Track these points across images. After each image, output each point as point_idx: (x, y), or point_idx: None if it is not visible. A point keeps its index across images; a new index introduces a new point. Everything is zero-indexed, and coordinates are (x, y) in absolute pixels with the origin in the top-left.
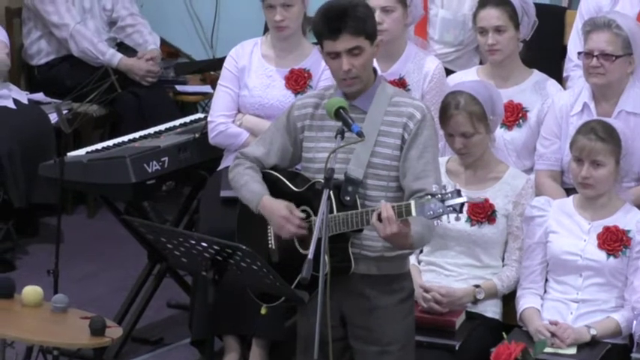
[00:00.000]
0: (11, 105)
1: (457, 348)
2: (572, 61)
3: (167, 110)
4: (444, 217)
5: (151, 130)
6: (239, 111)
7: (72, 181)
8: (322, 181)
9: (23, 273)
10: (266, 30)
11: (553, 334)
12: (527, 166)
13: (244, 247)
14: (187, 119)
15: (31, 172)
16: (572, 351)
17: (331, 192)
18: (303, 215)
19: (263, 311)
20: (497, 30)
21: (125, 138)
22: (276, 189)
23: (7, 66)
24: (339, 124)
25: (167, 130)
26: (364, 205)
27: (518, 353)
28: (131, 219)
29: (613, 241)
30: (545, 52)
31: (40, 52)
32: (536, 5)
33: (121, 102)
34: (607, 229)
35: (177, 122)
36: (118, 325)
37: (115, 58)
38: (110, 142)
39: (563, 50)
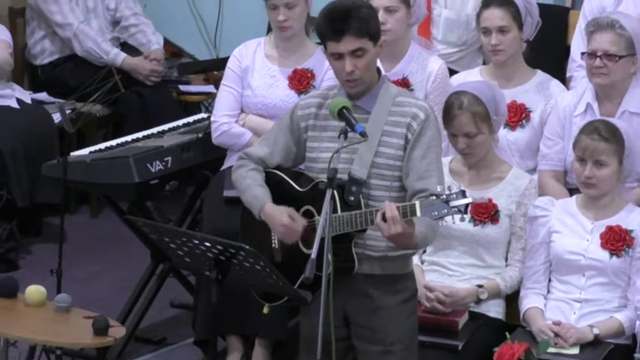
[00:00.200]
0: (15, 105)
1: (460, 348)
2: (575, 61)
3: (170, 110)
4: (449, 218)
5: (155, 130)
6: (242, 111)
7: (75, 180)
8: (326, 181)
9: (26, 272)
10: (269, 30)
11: (556, 334)
12: (530, 167)
13: (247, 247)
14: (191, 119)
15: (34, 172)
16: (575, 351)
17: (335, 192)
18: (305, 222)
19: (265, 310)
20: (501, 30)
21: (128, 138)
22: (279, 189)
23: (10, 66)
24: (343, 124)
25: (170, 129)
26: (368, 205)
27: (521, 353)
28: (134, 219)
29: (616, 240)
30: (548, 53)
31: (44, 51)
32: (540, 5)
33: (124, 102)
34: (610, 228)
35: (180, 122)
36: (121, 324)
37: (118, 57)
38: (113, 142)
39: (567, 50)
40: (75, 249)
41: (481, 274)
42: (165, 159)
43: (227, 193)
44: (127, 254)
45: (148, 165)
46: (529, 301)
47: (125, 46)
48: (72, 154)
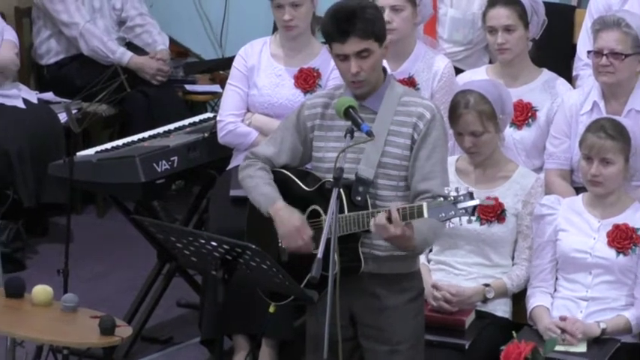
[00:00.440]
0: (21, 105)
1: (467, 347)
2: (581, 60)
3: (176, 110)
4: (456, 220)
5: (161, 130)
6: (248, 110)
7: (81, 180)
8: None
9: (33, 272)
10: (275, 29)
11: (563, 331)
12: (536, 166)
13: (254, 247)
14: (196, 119)
15: (40, 172)
16: (583, 349)
17: (342, 191)
18: (312, 233)
19: (271, 309)
20: (507, 29)
21: (134, 137)
22: (286, 188)
23: (16, 66)
24: (349, 123)
25: (176, 129)
26: (375, 205)
27: (528, 352)
28: (141, 218)
29: (622, 239)
30: (554, 51)
31: (50, 51)
32: (546, 4)
33: (130, 101)
34: (616, 227)
35: (186, 122)
36: (128, 324)
37: (125, 56)
38: (119, 142)
39: (573, 49)
40: (81, 249)
41: (488, 273)
42: (172, 158)
43: (233, 193)
44: (133, 254)
45: (154, 165)
46: (535, 300)
47: (130, 47)
48: (78, 153)
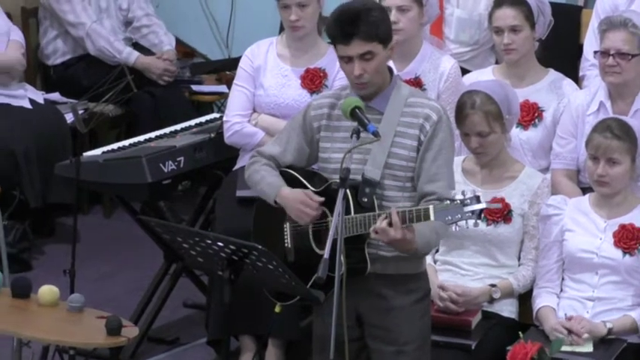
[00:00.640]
0: (27, 105)
1: (473, 347)
2: (588, 60)
3: (183, 110)
4: (462, 223)
5: (167, 130)
6: (254, 110)
7: (88, 181)
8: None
9: (39, 273)
10: (281, 29)
11: (569, 331)
12: (542, 166)
13: (260, 247)
14: (203, 119)
15: (47, 172)
16: (589, 349)
17: (348, 192)
18: (321, 199)
19: (277, 309)
20: (513, 29)
21: (141, 138)
22: (293, 187)
23: (23, 66)
24: (355, 124)
25: (183, 129)
26: (382, 207)
27: (534, 352)
28: (147, 219)
29: (629, 239)
30: (560, 52)
31: (56, 51)
32: (552, 4)
33: (136, 102)
34: (623, 227)
35: (192, 122)
36: (134, 324)
37: (132, 56)
38: (126, 142)
39: (579, 49)
40: (88, 249)
41: (494, 273)
42: (178, 159)
43: (240, 193)
44: (139, 254)
45: (161, 165)
46: (542, 300)
47: (137, 47)
48: (84, 154)
